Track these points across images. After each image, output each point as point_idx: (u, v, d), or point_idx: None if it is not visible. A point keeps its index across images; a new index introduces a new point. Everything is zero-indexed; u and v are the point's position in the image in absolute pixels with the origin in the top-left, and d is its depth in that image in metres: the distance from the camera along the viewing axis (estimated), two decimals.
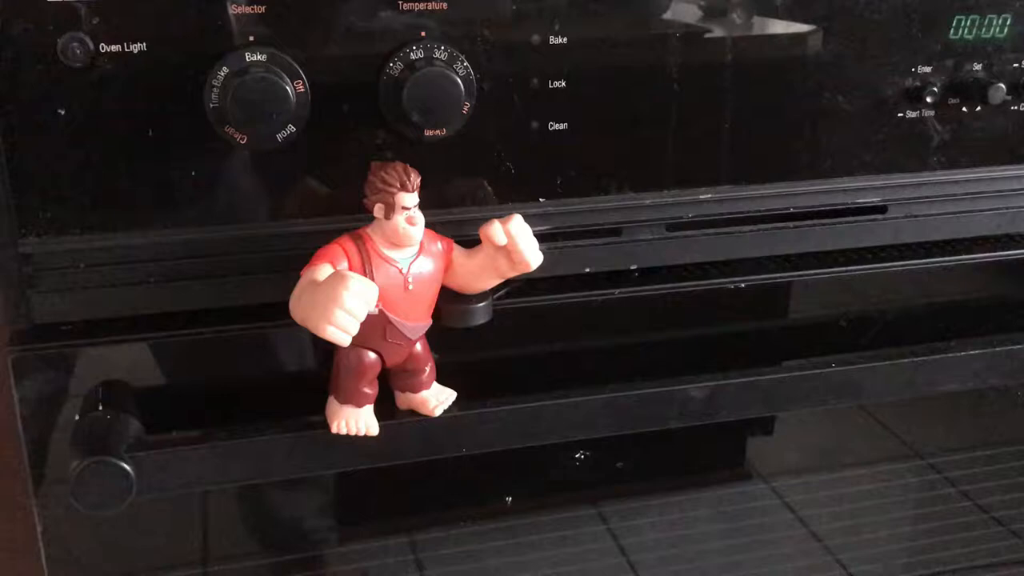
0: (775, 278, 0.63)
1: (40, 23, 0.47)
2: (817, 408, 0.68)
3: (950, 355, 0.62)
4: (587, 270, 0.60)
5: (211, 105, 0.48)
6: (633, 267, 0.61)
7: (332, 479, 0.63)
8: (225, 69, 0.48)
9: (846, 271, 0.64)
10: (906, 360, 0.61)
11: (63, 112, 0.49)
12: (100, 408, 0.52)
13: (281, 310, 0.49)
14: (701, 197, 0.59)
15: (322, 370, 0.53)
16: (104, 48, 0.48)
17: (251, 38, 0.49)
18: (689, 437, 0.65)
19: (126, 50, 0.48)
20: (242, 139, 0.49)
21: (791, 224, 0.62)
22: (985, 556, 0.78)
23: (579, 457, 0.64)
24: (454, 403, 0.55)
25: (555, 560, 0.68)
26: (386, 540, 0.65)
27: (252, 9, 0.49)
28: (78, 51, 0.47)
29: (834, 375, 0.60)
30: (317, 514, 0.64)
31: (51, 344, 0.53)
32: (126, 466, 0.50)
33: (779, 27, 0.58)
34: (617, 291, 0.60)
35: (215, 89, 0.48)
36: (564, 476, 0.65)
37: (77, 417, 0.53)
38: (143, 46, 0.48)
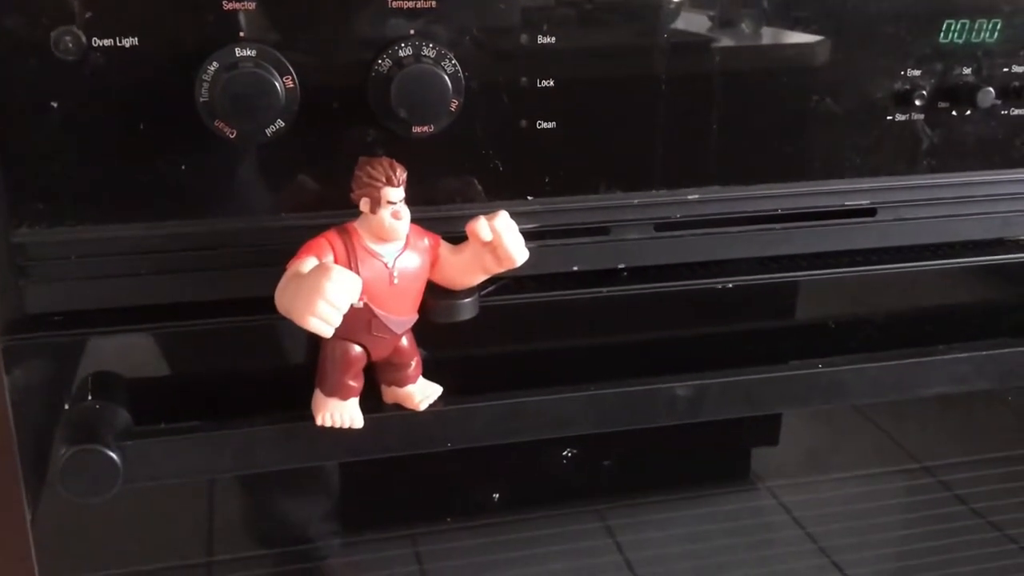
0: (763, 279, 0.62)
1: (34, 17, 0.47)
2: (806, 410, 0.68)
3: (937, 358, 0.61)
4: (575, 268, 0.60)
5: (201, 99, 0.48)
6: (621, 266, 0.61)
7: (326, 475, 0.63)
8: (215, 64, 0.48)
9: (834, 273, 0.63)
10: (893, 362, 0.61)
11: (56, 105, 0.49)
12: (90, 398, 0.53)
13: (269, 304, 0.49)
14: (689, 197, 0.59)
15: (310, 363, 0.53)
16: (96, 42, 0.48)
17: (241, 34, 0.49)
18: (691, 441, 0.67)
19: (118, 44, 0.48)
20: (231, 133, 0.49)
21: (779, 225, 0.62)
22: (981, 561, 0.78)
23: (566, 455, 0.64)
24: (439, 398, 0.55)
25: (551, 556, 0.68)
26: (383, 534, 0.65)
27: (242, 5, 0.49)
28: (71, 44, 0.47)
29: (820, 376, 0.60)
30: (310, 511, 0.64)
31: (42, 334, 0.53)
32: (113, 454, 0.50)
33: (769, 30, 0.58)
34: (604, 290, 0.60)
35: (205, 83, 0.48)
36: (555, 474, 0.65)
37: (67, 406, 0.53)
38: (135, 40, 0.48)
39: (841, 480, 0.73)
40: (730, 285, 0.62)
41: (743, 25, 0.57)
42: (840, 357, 0.61)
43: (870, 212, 0.63)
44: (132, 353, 0.55)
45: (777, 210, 0.61)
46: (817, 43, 0.58)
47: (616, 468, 0.67)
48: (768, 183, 0.60)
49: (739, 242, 0.62)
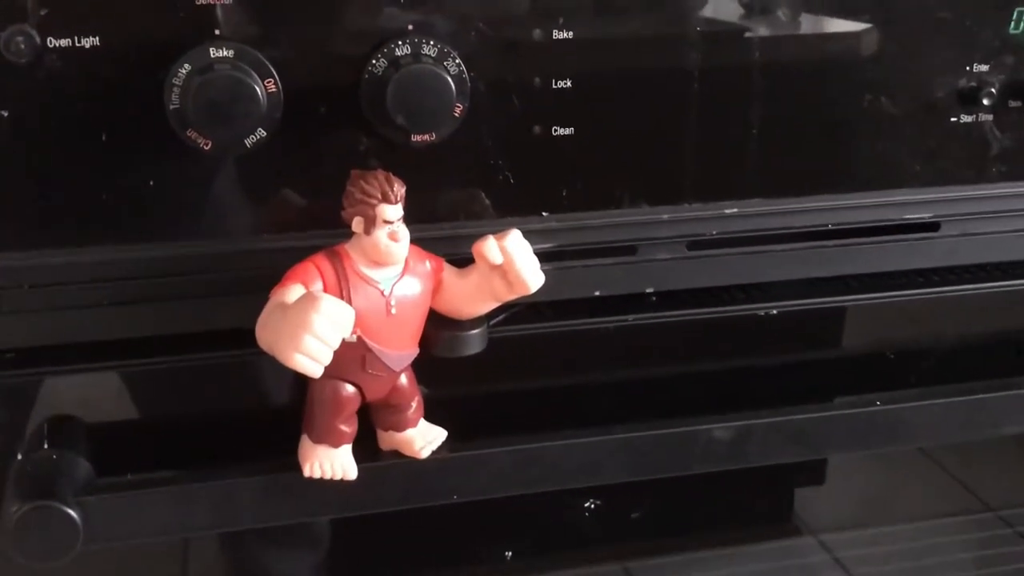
0: (811, 304, 0.62)
1: None
2: (863, 452, 0.69)
3: (1012, 392, 0.61)
4: (597, 293, 0.60)
5: (171, 106, 0.48)
6: (649, 290, 0.61)
7: (316, 530, 0.63)
8: (187, 66, 0.48)
9: (893, 296, 0.63)
10: (963, 398, 0.61)
11: (5, 113, 0.49)
12: (45, 446, 0.53)
13: (249, 337, 0.49)
14: (727, 212, 0.59)
15: (296, 406, 0.53)
16: (52, 42, 0.48)
17: (216, 31, 0.49)
18: (726, 485, 0.66)
19: (77, 45, 0.48)
20: (206, 144, 0.49)
21: (830, 243, 0.62)
22: None
23: (589, 507, 0.64)
24: (444, 443, 0.55)
25: None
26: None
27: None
28: (23, 45, 0.47)
29: (880, 414, 0.60)
30: (297, 569, 0.64)
31: None
32: (72, 512, 0.50)
33: (817, 21, 0.58)
34: (631, 317, 0.60)
35: (176, 88, 0.48)
36: (574, 528, 0.65)
37: (19, 456, 0.53)
38: (96, 40, 0.48)
39: (903, 531, 0.73)
40: (774, 311, 0.62)
41: (782, 13, 0.57)
42: (901, 392, 0.61)
43: (933, 227, 0.63)
44: (94, 395, 0.55)
45: (827, 225, 0.61)
46: (869, 33, 0.58)
47: (645, 520, 0.67)
48: (816, 195, 0.60)
49: (784, 262, 0.62)
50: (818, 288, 0.63)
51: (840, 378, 0.65)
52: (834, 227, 0.61)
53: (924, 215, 0.62)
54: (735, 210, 0.59)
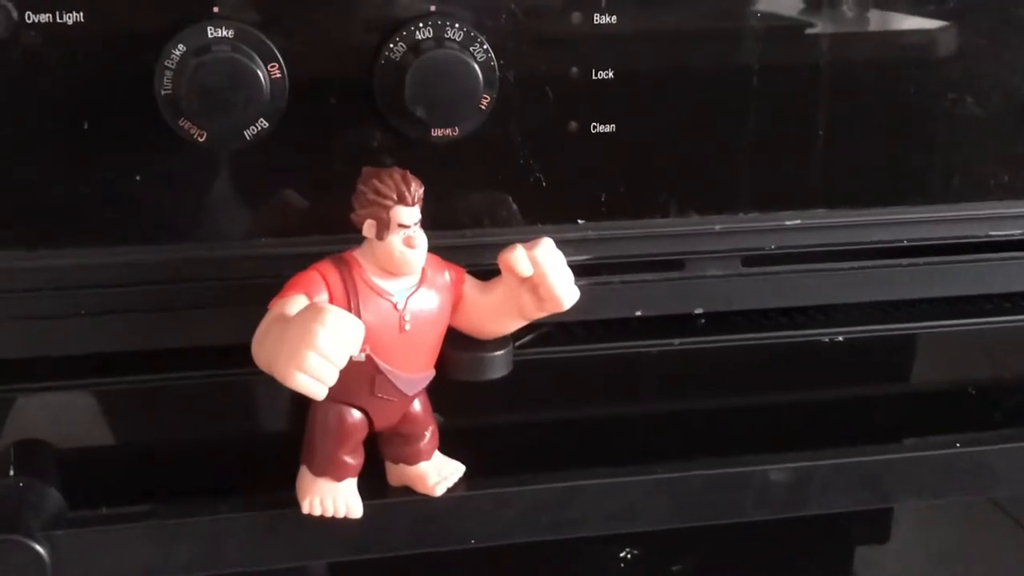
0: (882, 331, 0.62)
1: None
2: (939, 501, 0.67)
3: None
4: (638, 313, 0.60)
5: (163, 92, 0.48)
6: (698, 311, 0.60)
7: (308, 573, 0.63)
8: (181, 47, 0.48)
9: (975, 323, 0.63)
10: None
11: None
12: (11, 473, 0.52)
13: (244, 353, 0.49)
14: (787, 223, 0.59)
15: (295, 432, 0.52)
16: (31, 18, 0.48)
17: (215, 9, 0.49)
18: (775, 536, 0.66)
19: (58, 21, 0.48)
20: (201, 136, 0.49)
21: (904, 261, 0.62)
22: None
23: (625, 556, 0.64)
24: (461, 480, 0.54)
25: None
26: None
27: None
28: None
29: (960, 458, 0.59)
30: None
31: None
32: (39, 548, 0.49)
33: (893, 11, 0.58)
34: (677, 341, 0.60)
35: (168, 72, 0.48)
36: None
37: None
38: (79, 16, 0.48)
39: None
40: (840, 338, 0.61)
41: (852, 5, 0.57)
42: (985, 434, 0.60)
43: (1022, 245, 0.63)
44: (67, 416, 0.55)
45: (901, 242, 0.61)
46: (954, 26, 0.58)
47: (686, 574, 0.66)
48: (889, 207, 0.60)
49: (851, 282, 0.61)
50: (890, 313, 0.63)
51: (914, 415, 0.64)
52: (909, 244, 0.61)
53: (1013, 232, 0.62)
54: (797, 222, 0.59)
